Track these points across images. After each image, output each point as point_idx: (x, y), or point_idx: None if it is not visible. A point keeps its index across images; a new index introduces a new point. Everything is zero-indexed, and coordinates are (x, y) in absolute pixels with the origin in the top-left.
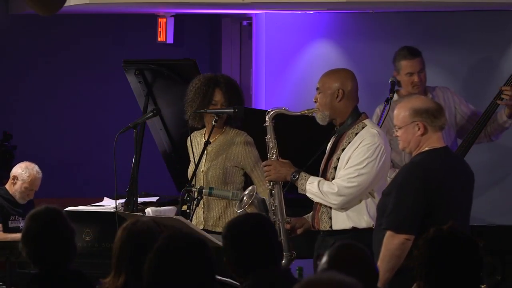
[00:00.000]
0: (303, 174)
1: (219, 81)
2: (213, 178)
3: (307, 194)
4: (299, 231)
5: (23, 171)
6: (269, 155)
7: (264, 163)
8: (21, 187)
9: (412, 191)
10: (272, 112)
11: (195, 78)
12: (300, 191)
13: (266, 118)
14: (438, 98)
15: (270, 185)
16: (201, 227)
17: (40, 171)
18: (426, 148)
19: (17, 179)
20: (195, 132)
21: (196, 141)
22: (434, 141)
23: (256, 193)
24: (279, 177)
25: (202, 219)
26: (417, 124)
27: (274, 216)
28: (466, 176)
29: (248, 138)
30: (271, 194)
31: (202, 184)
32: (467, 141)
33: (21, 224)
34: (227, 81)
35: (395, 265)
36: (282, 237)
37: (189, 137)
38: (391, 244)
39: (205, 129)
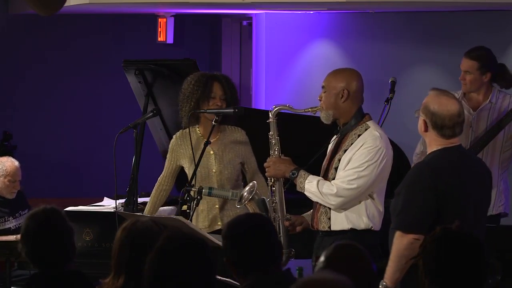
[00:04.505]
0: (302, 172)
1: (218, 76)
2: (228, 178)
3: (305, 193)
4: (298, 229)
5: (0, 167)
6: (271, 152)
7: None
8: (4, 183)
9: (421, 191)
10: (276, 109)
11: (190, 76)
12: (298, 189)
13: (270, 115)
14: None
15: (271, 181)
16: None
17: (15, 160)
18: (438, 147)
19: None
20: (184, 131)
21: (194, 141)
22: (446, 142)
23: (257, 191)
24: (278, 173)
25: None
26: (423, 120)
27: (274, 213)
28: (480, 175)
29: (244, 133)
30: (272, 191)
31: (215, 185)
32: (476, 147)
33: (12, 224)
34: (225, 77)
35: (405, 265)
36: (281, 234)
37: (176, 136)
38: (400, 244)
39: (197, 127)
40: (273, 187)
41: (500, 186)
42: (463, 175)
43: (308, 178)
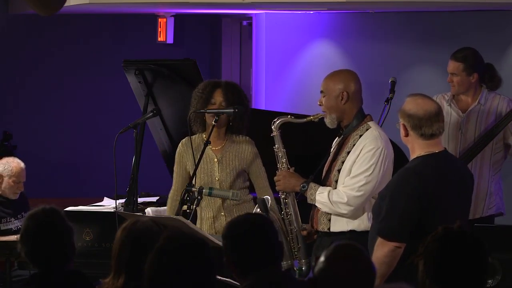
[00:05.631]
0: (312, 185)
1: (220, 83)
2: (232, 186)
3: (316, 204)
4: (315, 237)
5: (5, 167)
6: (279, 165)
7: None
8: (9, 183)
9: (405, 198)
10: (278, 122)
11: (201, 83)
12: (309, 201)
13: (273, 128)
14: (489, 105)
15: (283, 195)
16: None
17: (21, 161)
18: (422, 153)
19: (2, 177)
20: (188, 137)
21: (198, 147)
22: (428, 145)
23: (268, 201)
24: (288, 187)
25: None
26: (402, 124)
27: (290, 226)
28: (464, 181)
29: (250, 140)
30: (285, 203)
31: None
32: (471, 152)
33: (14, 225)
34: (228, 84)
35: (385, 272)
36: (300, 245)
37: (182, 143)
38: (381, 251)
39: (204, 134)
40: (286, 199)
41: (491, 188)
42: (448, 182)
43: (319, 189)
